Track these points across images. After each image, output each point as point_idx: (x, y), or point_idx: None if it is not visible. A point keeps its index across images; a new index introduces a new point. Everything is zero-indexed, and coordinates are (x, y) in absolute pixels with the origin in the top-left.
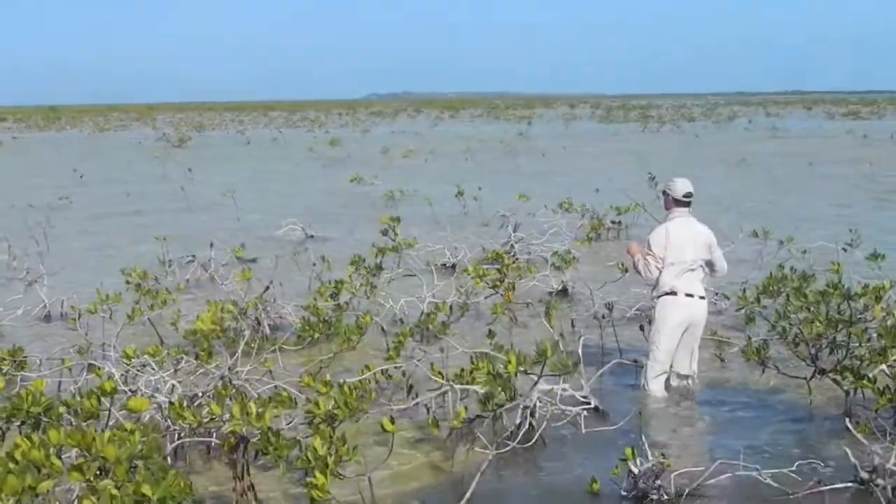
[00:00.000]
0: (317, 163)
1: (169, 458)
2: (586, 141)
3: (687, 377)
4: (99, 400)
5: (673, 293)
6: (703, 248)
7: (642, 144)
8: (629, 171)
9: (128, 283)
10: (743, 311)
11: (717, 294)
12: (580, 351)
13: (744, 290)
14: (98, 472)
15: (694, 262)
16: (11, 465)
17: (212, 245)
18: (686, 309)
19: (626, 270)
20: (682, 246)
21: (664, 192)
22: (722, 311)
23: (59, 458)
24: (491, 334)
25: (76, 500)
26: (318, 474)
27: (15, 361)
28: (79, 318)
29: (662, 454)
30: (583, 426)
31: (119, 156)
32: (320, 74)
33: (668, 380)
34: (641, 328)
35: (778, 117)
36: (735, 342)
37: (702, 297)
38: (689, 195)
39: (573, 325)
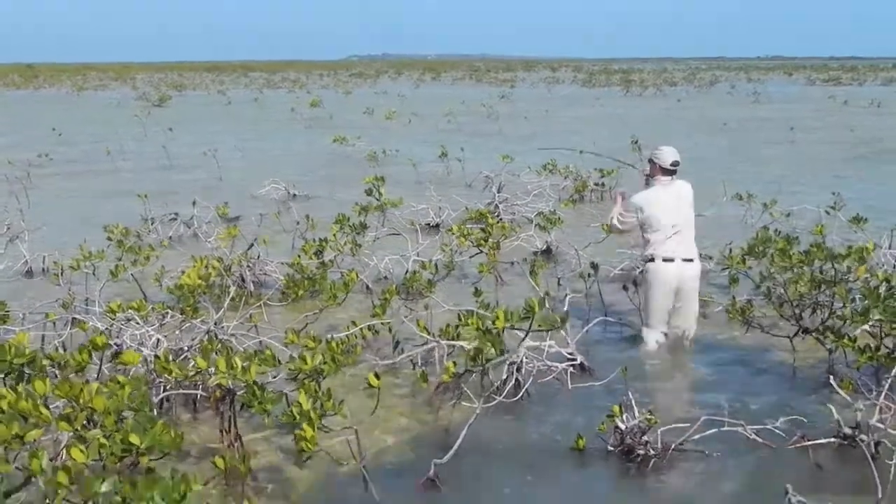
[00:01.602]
0: (299, 123)
1: (155, 412)
2: (569, 104)
3: (683, 339)
4: (90, 354)
5: (653, 259)
6: (687, 207)
7: (625, 109)
8: (612, 135)
9: (110, 239)
10: (727, 271)
11: (701, 255)
12: (566, 307)
13: (729, 251)
14: (86, 423)
15: (677, 224)
16: None
17: (194, 203)
18: (670, 274)
19: (610, 231)
20: (666, 210)
21: (650, 160)
22: (706, 271)
23: (47, 407)
24: (477, 292)
25: (64, 450)
26: (305, 426)
27: None
28: (61, 273)
29: (649, 410)
30: (569, 382)
31: (98, 115)
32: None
33: (663, 340)
34: (625, 288)
35: (759, 83)
36: (720, 302)
37: (688, 260)
38: (675, 164)
39: (559, 284)
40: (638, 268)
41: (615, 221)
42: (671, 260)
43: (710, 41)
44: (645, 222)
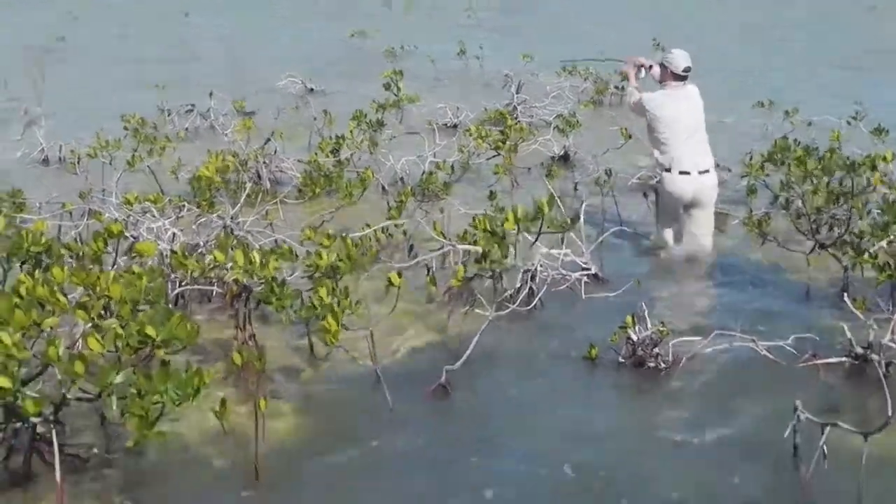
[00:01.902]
0: (316, 13)
1: (170, 306)
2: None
3: (699, 250)
4: (105, 242)
5: (669, 170)
6: (699, 112)
7: (657, 2)
8: (638, 29)
9: (126, 128)
10: (745, 181)
11: (718, 166)
12: (582, 213)
13: (750, 158)
14: (102, 312)
15: (689, 128)
16: (17, 301)
17: (211, 94)
18: (687, 187)
19: (630, 137)
20: (678, 115)
21: (661, 65)
22: (724, 181)
23: (65, 295)
24: (492, 195)
25: (80, 338)
26: (329, 319)
27: (14, 203)
28: (78, 162)
29: (661, 322)
30: (582, 292)
31: None
32: None
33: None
34: (645, 195)
35: None
36: (736, 215)
37: (704, 171)
38: (687, 69)
39: (576, 189)
40: (654, 176)
41: (631, 96)
42: (687, 173)
43: None
44: (657, 127)
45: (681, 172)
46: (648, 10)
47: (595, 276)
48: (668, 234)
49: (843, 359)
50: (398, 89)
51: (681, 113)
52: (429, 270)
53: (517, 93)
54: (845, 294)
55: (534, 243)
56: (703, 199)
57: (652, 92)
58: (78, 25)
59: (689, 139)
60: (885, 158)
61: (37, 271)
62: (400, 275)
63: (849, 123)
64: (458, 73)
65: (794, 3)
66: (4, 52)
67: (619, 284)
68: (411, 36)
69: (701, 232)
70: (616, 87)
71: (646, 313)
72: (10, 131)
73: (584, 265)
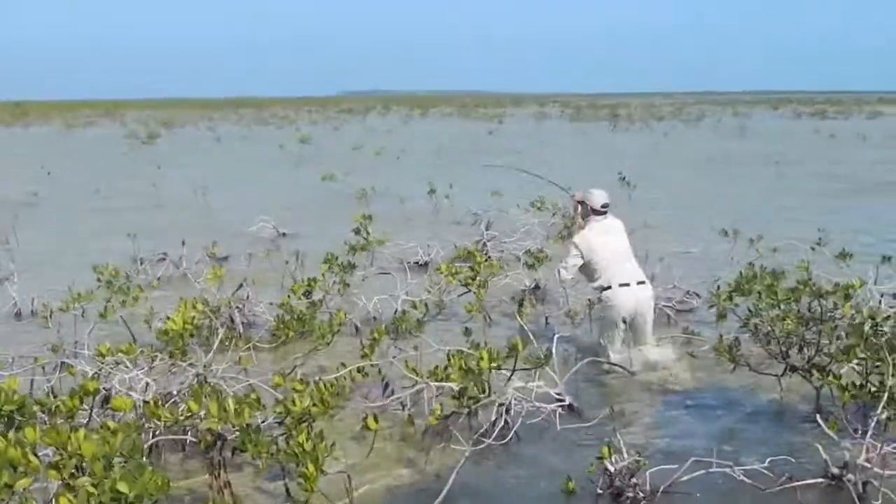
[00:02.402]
0: (288, 160)
1: (144, 457)
2: (557, 140)
3: (646, 362)
4: (81, 400)
5: (609, 287)
6: (625, 239)
7: (612, 144)
8: (600, 170)
9: (99, 280)
10: (714, 308)
11: (688, 293)
12: (554, 347)
13: (717, 288)
14: (75, 470)
15: (620, 252)
16: None
17: (183, 243)
18: (629, 299)
19: (563, 283)
20: (608, 242)
21: (581, 203)
22: (693, 308)
23: (36, 455)
24: (466, 332)
25: (53, 499)
26: (310, 465)
27: None
28: (50, 316)
29: (637, 452)
30: (558, 423)
31: (88, 152)
32: (289, 71)
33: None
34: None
35: (746, 116)
36: (706, 339)
37: (641, 283)
38: (605, 205)
39: (547, 323)
40: (593, 302)
41: (562, 273)
42: (627, 284)
43: (697, 75)
44: (592, 258)
45: (620, 285)
46: (611, 149)
47: (570, 406)
48: (616, 348)
49: (820, 480)
50: (367, 233)
51: (608, 242)
52: (404, 408)
53: (487, 229)
54: (818, 415)
55: (508, 380)
56: (642, 309)
57: (578, 236)
58: (51, 180)
59: (621, 262)
60: (854, 287)
61: (9, 432)
62: (376, 419)
63: (813, 249)
64: (428, 212)
65: (751, 135)
66: None
67: (593, 414)
68: (382, 178)
69: (646, 346)
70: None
71: (622, 443)
72: None
73: (557, 397)
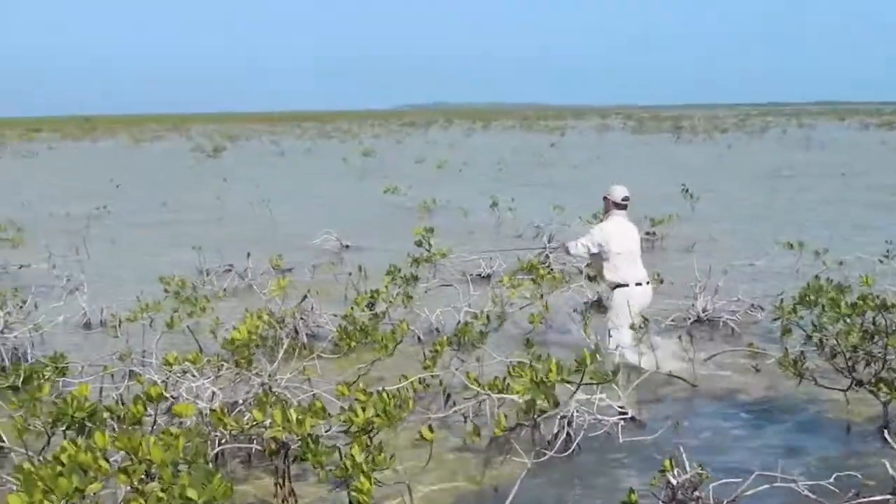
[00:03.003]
0: (351, 174)
1: (210, 464)
2: (619, 152)
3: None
4: (145, 406)
5: (626, 284)
6: (638, 241)
7: (676, 155)
8: (663, 182)
9: (166, 291)
10: (779, 322)
11: (752, 306)
12: (617, 360)
13: (780, 301)
14: (144, 476)
15: (633, 251)
16: (60, 468)
17: (248, 255)
18: (640, 297)
19: (661, 282)
20: (623, 239)
21: (604, 198)
22: (758, 321)
23: (107, 460)
24: (529, 343)
25: (122, 503)
26: (363, 479)
27: (57, 368)
28: (119, 325)
29: (700, 465)
30: (620, 436)
31: (155, 166)
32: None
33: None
34: (680, 338)
35: (811, 128)
36: (771, 353)
37: (648, 283)
38: (626, 199)
39: (609, 335)
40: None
41: (575, 248)
42: (640, 284)
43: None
44: (608, 249)
45: (636, 284)
46: (674, 161)
47: (632, 419)
48: (626, 338)
49: (888, 497)
50: (430, 245)
51: (624, 239)
52: (466, 419)
53: (549, 242)
54: (885, 430)
55: (573, 394)
56: (644, 306)
57: (599, 226)
58: (120, 193)
59: (635, 261)
60: None
61: (80, 438)
62: (432, 429)
63: (881, 262)
64: (490, 225)
65: (817, 146)
66: (49, 220)
67: (656, 427)
68: (444, 191)
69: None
70: (647, 234)
71: (684, 456)
72: (54, 297)
73: (620, 409)
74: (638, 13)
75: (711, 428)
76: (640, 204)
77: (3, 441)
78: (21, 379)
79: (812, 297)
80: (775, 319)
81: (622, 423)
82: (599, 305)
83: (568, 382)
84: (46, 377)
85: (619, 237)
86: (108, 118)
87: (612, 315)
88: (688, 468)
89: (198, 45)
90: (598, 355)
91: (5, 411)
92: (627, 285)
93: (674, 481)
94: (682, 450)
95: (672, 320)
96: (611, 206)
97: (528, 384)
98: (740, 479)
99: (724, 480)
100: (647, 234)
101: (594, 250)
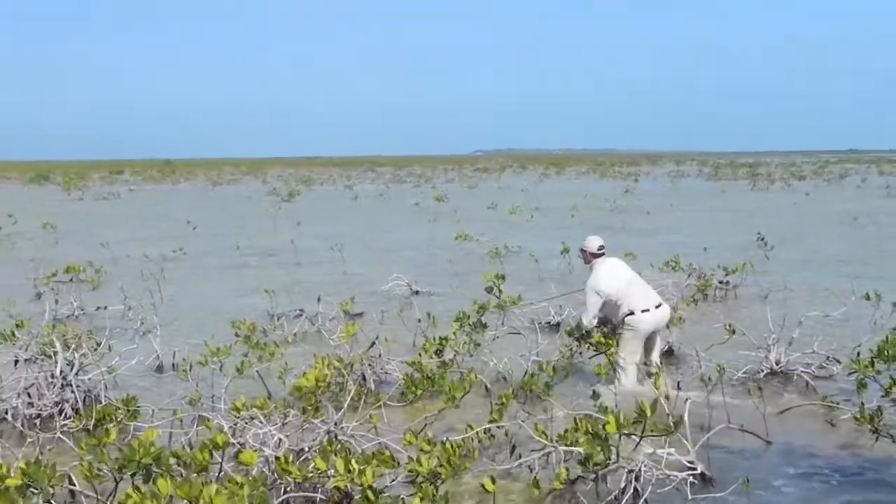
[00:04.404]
0: (423, 218)
1: None
2: (694, 199)
3: (652, 365)
4: (210, 453)
5: (633, 313)
6: (627, 268)
7: (751, 203)
8: (736, 230)
9: (237, 335)
10: (855, 375)
11: (827, 358)
12: (686, 413)
13: (857, 354)
14: None
15: (632, 281)
16: None
17: (319, 299)
18: (650, 323)
19: (734, 332)
20: (618, 273)
21: (582, 250)
22: (833, 375)
23: None
24: (594, 396)
25: None
26: None
27: (128, 411)
28: (189, 369)
29: None
30: (688, 492)
31: (231, 209)
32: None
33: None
34: (749, 392)
35: (892, 175)
36: (847, 409)
37: (659, 305)
38: (601, 247)
39: (678, 387)
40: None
41: (585, 320)
42: (647, 310)
43: (840, 133)
44: (609, 293)
45: (643, 311)
46: (750, 208)
47: (702, 475)
48: (632, 373)
49: None
50: (500, 292)
51: (618, 274)
52: (531, 471)
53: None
54: None
55: (636, 446)
56: (660, 326)
57: (591, 280)
58: (196, 236)
59: (632, 286)
60: None
61: (146, 483)
62: (494, 481)
63: None
64: (561, 272)
65: (894, 193)
66: (127, 262)
67: (726, 484)
68: (515, 237)
69: (655, 358)
70: (720, 283)
71: None
72: (127, 339)
73: (689, 464)
74: (713, 61)
75: (783, 486)
76: (714, 252)
77: (75, 484)
78: (93, 421)
79: (890, 351)
80: (851, 373)
81: (691, 479)
82: (670, 356)
83: (630, 436)
84: (118, 420)
85: (610, 274)
86: (187, 162)
87: (620, 351)
88: None
89: (274, 91)
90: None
91: (77, 454)
92: (633, 314)
93: None
94: None
95: (744, 372)
96: (589, 257)
97: (585, 437)
98: None
99: None
100: (720, 282)
101: (601, 301)
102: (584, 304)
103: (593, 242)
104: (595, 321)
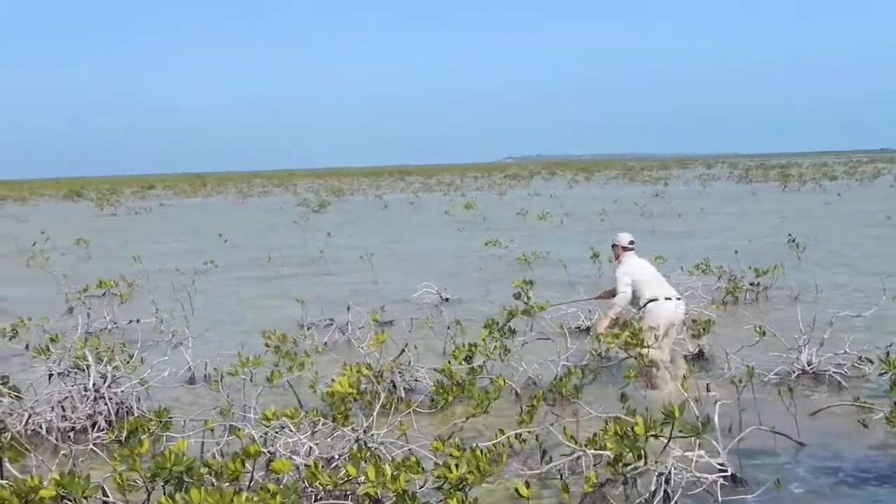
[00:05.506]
0: (452, 226)
1: None
2: (724, 201)
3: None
4: (243, 463)
5: (655, 299)
6: (652, 267)
7: (783, 204)
8: (768, 231)
9: (267, 345)
10: (888, 375)
11: (859, 359)
12: (716, 415)
13: (887, 354)
14: None
15: (655, 274)
16: None
17: (349, 308)
18: (671, 310)
19: (764, 334)
20: (645, 267)
21: (613, 245)
22: (865, 375)
23: None
24: (623, 398)
25: None
26: None
27: (160, 422)
28: (221, 380)
29: None
30: (719, 494)
31: (261, 221)
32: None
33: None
34: (779, 393)
35: None
36: (879, 409)
37: (679, 299)
38: (632, 242)
39: (708, 389)
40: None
41: (623, 298)
42: (669, 299)
43: (871, 133)
44: (635, 279)
45: (666, 299)
46: (781, 210)
47: (733, 477)
48: (661, 353)
49: None
50: (528, 298)
51: (644, 267)
52: (561, 476)
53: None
54: None
55: (665, 448)
56: (678, 321)
57: (620, 268)
58: (227, 248)
59: (657, 279)
60: None
61: (178, 493)
62: (528, 485)
63: None
64: (590, 277)
65: None
66: (159, 275)
67: (757, 486)
68: (545, 243)
69: (670, 346)
70: (750, 284)
71: None
72: (159, 352)
73: (720, 466)
74: (746, 63)
75: (815, 487)
76: (745, 255)
77: (108, 496)
78: (126, 433)
79: None
80: (883, 373)
81: (722, 481)
82: (700, 358)
83: (657, 437)
84: (150, 431)
85: (640, 268)
86: (218, 175)
87: (647, 339)
88: None
89: (303, 102)
90: (691, 408)
91: (110, 465)
92: (657, 299)
93: None
94: None
95: (775, 373)
96: (620, 250)
97: (613, 438)
98: None
99: None
100: (751, 284)
101: (631, 286)
102: (619, 288)
103: (624, 237)
104: (624, 297)
